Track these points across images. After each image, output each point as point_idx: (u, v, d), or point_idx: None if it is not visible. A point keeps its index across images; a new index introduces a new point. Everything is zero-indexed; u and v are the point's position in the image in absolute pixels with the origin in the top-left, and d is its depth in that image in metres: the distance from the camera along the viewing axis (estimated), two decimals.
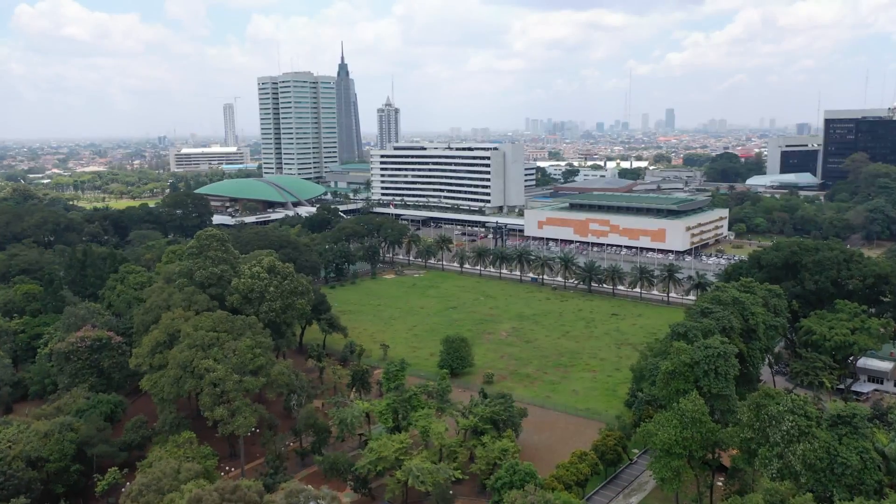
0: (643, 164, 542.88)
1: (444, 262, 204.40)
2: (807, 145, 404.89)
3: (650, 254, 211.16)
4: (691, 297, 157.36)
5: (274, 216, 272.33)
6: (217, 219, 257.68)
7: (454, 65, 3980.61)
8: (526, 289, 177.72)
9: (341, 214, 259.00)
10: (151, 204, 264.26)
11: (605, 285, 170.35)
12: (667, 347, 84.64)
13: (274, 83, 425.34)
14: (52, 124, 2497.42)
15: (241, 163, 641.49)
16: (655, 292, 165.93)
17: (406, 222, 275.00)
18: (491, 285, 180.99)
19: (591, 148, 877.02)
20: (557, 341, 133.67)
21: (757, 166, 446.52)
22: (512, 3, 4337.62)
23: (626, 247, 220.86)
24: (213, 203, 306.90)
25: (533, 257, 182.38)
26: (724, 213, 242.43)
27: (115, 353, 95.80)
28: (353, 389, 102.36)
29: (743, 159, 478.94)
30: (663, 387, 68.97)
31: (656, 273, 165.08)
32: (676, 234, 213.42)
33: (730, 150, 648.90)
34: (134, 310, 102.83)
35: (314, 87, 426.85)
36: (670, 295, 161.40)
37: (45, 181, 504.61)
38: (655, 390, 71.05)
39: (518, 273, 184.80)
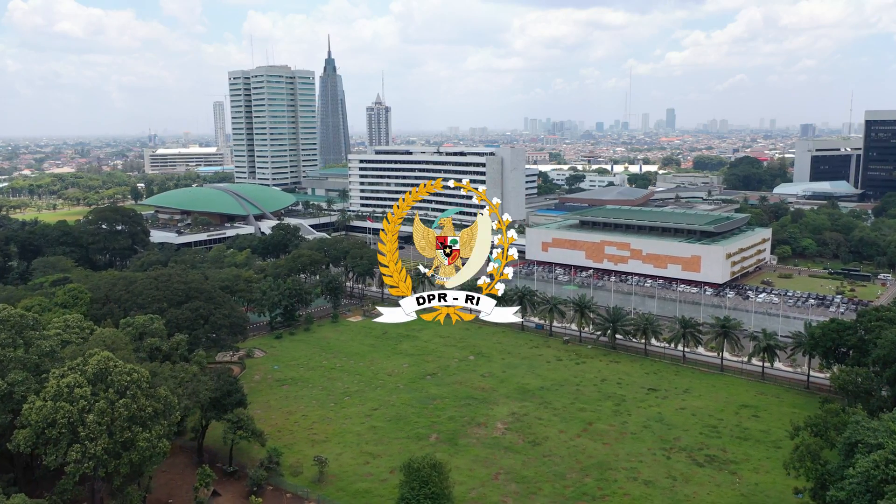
0: (652, 167, 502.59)
1: None
2: (839, 149, 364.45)
3: (682, 286, 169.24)
4: (755, 362, 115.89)
5: (230, 233, 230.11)
6: (158, 235, 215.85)
7: (453, 63, 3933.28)
8: (529, 341, 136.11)
9: (305, 234, 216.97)
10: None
11: (633, 339, 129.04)
12: None
13: (246, 78, 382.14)
14: (49, 122, 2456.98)
15: (220, 164, 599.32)
16: (702, 351, 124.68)
17: None
18: (484, 335, 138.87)
19: (593, 149, 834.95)
20: (577, 442, 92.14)
21: (780, 172, 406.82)
22: (511, 1, 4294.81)
23: (652, 276, 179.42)
24: (161, 216, 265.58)
25: (538, 299, 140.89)
26: (767, 233, 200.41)
27: None
28: None
29: (764, 163, 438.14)
30: None
31: (704, 328, 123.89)
32: (715, 263, 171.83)
33: (738, 152, 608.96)
34: None
35: (291, 83, 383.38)
36: (724, 356, 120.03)
37: (2, 185, 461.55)
38: None
39: (520, 318, 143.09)
